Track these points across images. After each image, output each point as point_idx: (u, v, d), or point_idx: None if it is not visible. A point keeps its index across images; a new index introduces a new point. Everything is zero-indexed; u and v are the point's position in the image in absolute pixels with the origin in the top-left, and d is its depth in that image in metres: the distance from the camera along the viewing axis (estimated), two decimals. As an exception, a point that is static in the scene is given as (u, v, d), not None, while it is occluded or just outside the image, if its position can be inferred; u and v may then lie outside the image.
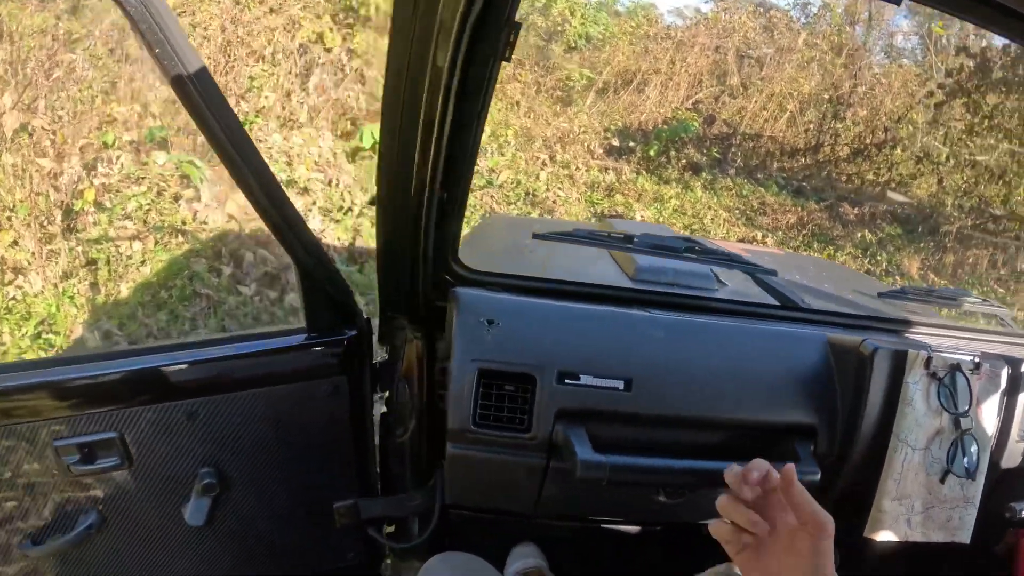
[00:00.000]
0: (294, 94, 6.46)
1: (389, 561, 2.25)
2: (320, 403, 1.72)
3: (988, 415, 1.62)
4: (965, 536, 1.62)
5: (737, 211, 8.08)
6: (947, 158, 8.27)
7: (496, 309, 1.54)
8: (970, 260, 7.49)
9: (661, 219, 7.46)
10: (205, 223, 5.19)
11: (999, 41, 7.63)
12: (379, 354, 1.81)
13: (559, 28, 9.67)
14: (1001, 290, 7.17)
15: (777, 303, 2.02)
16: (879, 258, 7.44)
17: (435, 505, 1.77)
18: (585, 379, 1.49)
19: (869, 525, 1.59)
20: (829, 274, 3.22)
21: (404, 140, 1.26)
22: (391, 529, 2.05)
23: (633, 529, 1.95)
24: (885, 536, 1.58)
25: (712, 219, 7.73)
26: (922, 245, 7.80)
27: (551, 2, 9.40)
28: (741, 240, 7.36)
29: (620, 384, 1.50)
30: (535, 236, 1.91)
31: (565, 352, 1.51)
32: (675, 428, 1.57)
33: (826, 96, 9.20)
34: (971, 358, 1.58)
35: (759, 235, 7.58)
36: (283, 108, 6.36)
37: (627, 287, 1.88)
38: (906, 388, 1.54)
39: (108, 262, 4.70)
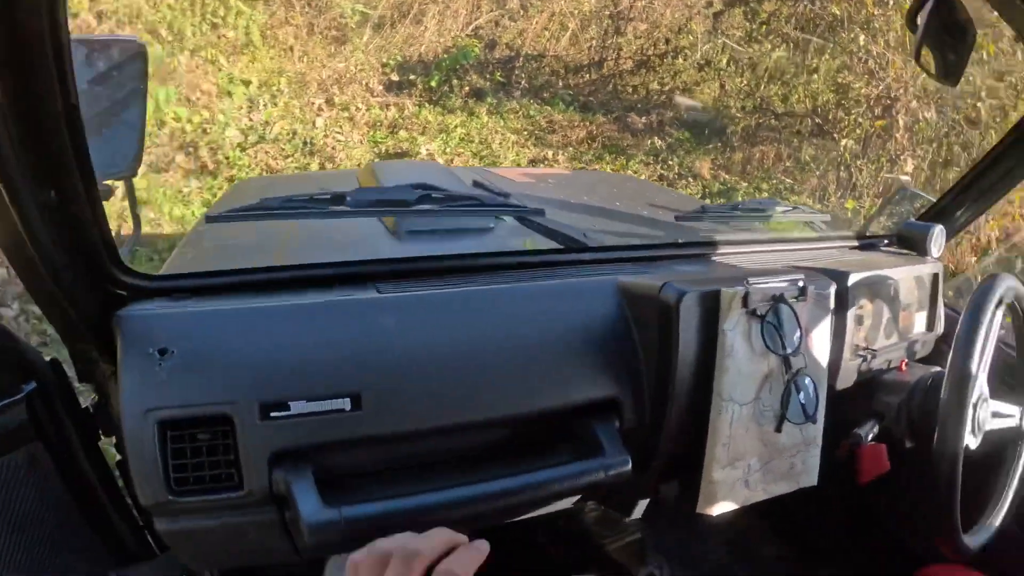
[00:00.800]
0: None
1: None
2: (22, 481, 1.31)
3: (820, 343, 1.47)
4: (811, 479, 1.49)
5: (526, 132, 8.16)
6: (728, 63, 8.65)
7: (173, 329, 1.18)
8: (757, 156, 7.88)
9: (448, 149, 7.34)
10: None
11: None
12: (90, 396, 1.39)
13: (327, -37, 9.20)
14: (789, 180, 7.61)
15: (559, 246, 1.69)
16: (671, 163, 7.68)
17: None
18: (296, 406, 1.14)
19: (702, 501, 1.39)
20: (623, 194, 3.06)
21: None
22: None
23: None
24: (722, 508, 1.40)
25: (500, 143, 7.78)
26: (711, 147, 8.16)
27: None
28: (532, 161, 7.32)
29: (346, 403, 1.16)
30: (208, 219, 1.56)
31: (268, 373, 1.16)
32: (432, 439, 1.27)
33: (606, 12, 9.36)
34: (795, 283, 1.39)
35: (550, 153, 7.65)
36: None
37: (380, 259, 1.49)
38: (723, 337, 1.31)
39: None
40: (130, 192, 1.61)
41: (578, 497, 1.44)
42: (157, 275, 1.31)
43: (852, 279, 1.57)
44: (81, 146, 1.00)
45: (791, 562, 2.37)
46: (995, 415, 1.59)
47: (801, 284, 1.40)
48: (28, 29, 0.83)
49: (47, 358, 1.36)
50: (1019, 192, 5.15)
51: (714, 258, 1.75)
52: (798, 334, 1.39)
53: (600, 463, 1.27)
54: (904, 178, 6.60)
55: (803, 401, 1.40)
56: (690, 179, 7.53)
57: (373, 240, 1.82)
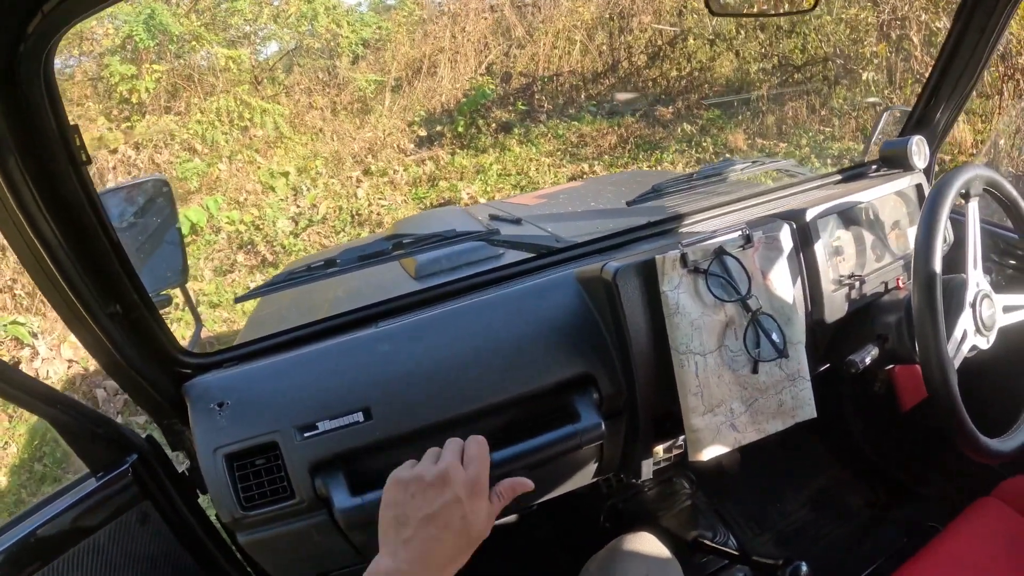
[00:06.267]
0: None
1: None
2: (137, 534, 1.62)
3: (781, 282, 1.51)
4: (809, 411, 1.53)
5: (559, 152, 8.28)
6: (737, 30, 8.53)
7: (225, 387, 1.48)
8: (790, 114, 7.81)
9: (488, 188, 7.46)
10: (49, 377, 5.11)
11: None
12: (185, 461, 1.71)
13: (333, 44, 9.50)
14: (828, 128, 7.46)
15: (531, 255, 1.88)
16: (705, 144, 7.62)
17: None
18: (323, 425, 1.41)
19: (690, 449, 1.48)
20: (622, 191, 3.15)
21: (46, 274, 1.20)
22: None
23: (508, 523, 1.88)
24: (712, 452, 1.47)
25: (537, 169, 7.88)
26: (741, 118, 8.11)
27: (314, 23, 9.20)
28: (572, 178, 7.43)
29: (359, 416, 1.42)
30: (236, 300, 1.92)
31: (298, 405, 1.43)
32: (440, 434, 1.40)
33: (607, 15, 9.36)
34: (736, 235, 1.48)
35: (586, 166, 7.73)
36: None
37: (378, 301, 1.75)
38: (665, 298, 1.42)
39: None
40: (186, 296, 1.94)
41: (594, 468, 1.62)
42: (210, 352, 1.60)
43: (810, 214, 1.63)
44: (129, 268, 1.30)
45: (879, 507, 2.38)
46: (1007, 309, 1.58)
47: (745, 233, 1.48)
48: (68, 192, 1.13)
49: (143, 435, 1.65)
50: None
51: (678, 230, 1.86)
52: (748, 280, 1.46)
53: (574, 428, 1.42)
54: (873, 99, 6.49)
55: (774, 336, 1.47)
56: (728, 154, 7.46)
57: (399, 285, 2.03)
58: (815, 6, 1.82)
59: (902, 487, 2.38)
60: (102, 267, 1.26)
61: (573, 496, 1.69)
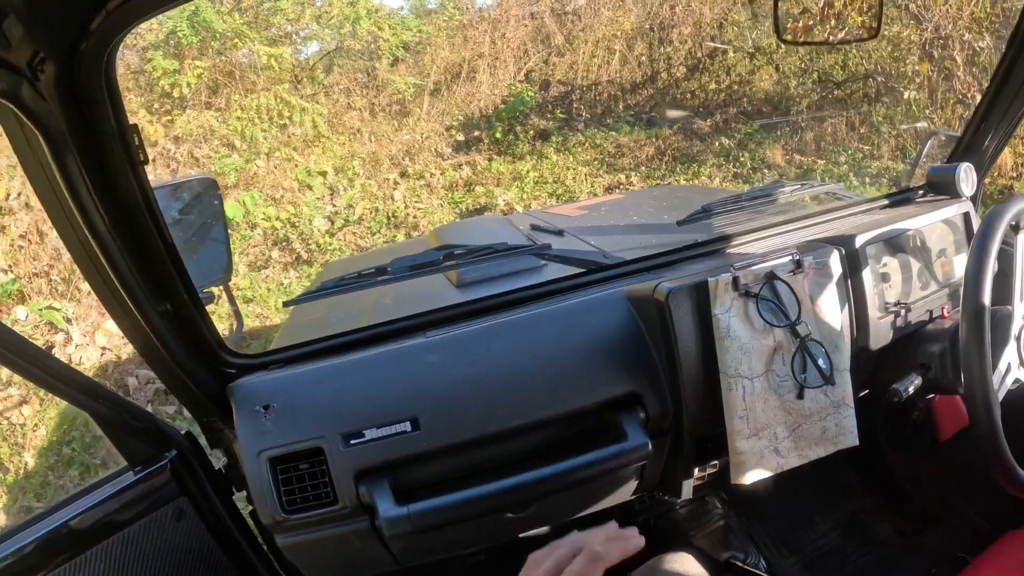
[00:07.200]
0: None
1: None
2: (173, 529, 1.66)
3: (830, 309, 1.52)
4: (851, 439, 1.54)
5: (596, 162, 8.29)
6: (777, 45, 8.46)
7: (271, 390, 1.49)
8: (828, 130, 7.70)
9: (524, 195, 7.47)
10: (82, 363, 5.16)
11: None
12: (222, 459, 1.74)
13: (374, 46, 9.52)
14: (867, 147, 7.43)
15: (579, 270, 1.87)
16: (742, 159, 7.62)
17: None
18: (369, 433, 1.42)
19: (732, 472, 1.50)
20: (665, 206, 3.20)
21: (98, 270, 1.22)
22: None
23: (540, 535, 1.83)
24: (755, 476, 1.49)
25: (573, 178, 7.89)
26: (779, 133, 8.07)
27: (356, 25, 9.23)
28: (608, 188, 7.43)
29: (407, 426, 1.43)
30: (284, 304, 1.96)
31: (345, 412, 1.45)
32: (485, 447, 1.49)
33: (647, 25, 9.38)
34: (787, 259, 1.48)
35: (623, 177, 7.72)
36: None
37: (429, 310, 1.74)
38: (716, 321, 1.44)
39: (5, 437, 4.67)
40: (228, 294, 2.00)
41: (635, 486, 1.64)
42: (255, 354, 1.63)
43: (859, 241, 1.62)
44: (181, 268, 1.31)
45: (908, 536, 2.36)
46: None
47: (796, 258, 1.48)
48: (124, 192, 1.14)
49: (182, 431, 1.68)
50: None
51: (727, 251, 1.86)
52: (798, 305, 1.47)
53: (620, 448, 1.43)
54: (920, 125, 6.41)
55: (820, 366, 1.48)
56: (765, 170, 7.43)
57: (442, 293, 2.07)
58: (875, 36, 1.85)
59: (931, 517, 2.36)
60: (155, 266, 1.27)
61: (605, 510, 1.67)
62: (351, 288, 1.82)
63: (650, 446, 1.44)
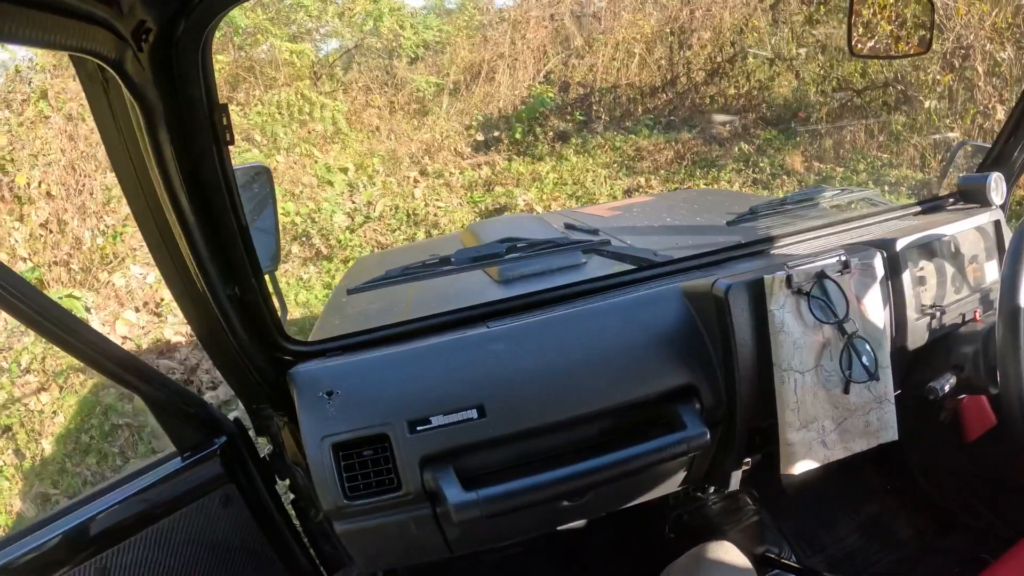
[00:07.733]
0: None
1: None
2: (219, 515, 1.68)
3: (874, 308, 1.59)
4: (891, 434, 1.60)
5: (615, 164, 8.30)
6: (797, 51, 8.44)
7: (334, 377, 1.51)
8: (848, 138, 7.69)
9: (544, 196, 7.46)
10: None
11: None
12: (266, 447, 1.77)
13: (394, 44, 9.56)
14: (885, 155, 7.42)
15: (632, 266, 1.93)
16: (761, 164, 7.60)
17: None
18: (436, 420, 1.44)
19: (783, 463, 1.55)
20: (698, 208, 3.29)
21: (170, 250, 1.26)
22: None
23: (575, 528, 1.90)
24: (804, 467, 1.55)
25: (593, 180, 7.90)
26: (798, 139, 8.08)
27: (378, 22, 9.25)
28: (627, 192, 7.40)
29: (473, 413, 1.45)
30: (349, 292, 1.93)
31: (411, 399, 1.47)
32: (547, 436, 1.52)
33: (668, 29, 9.41)
34: (835, 260, 1.55)
35: (642, 180, 7.71)
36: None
37: (484, 303, 1.79)
38: (772, 317, 1.50)
39: (23, 424, 4.71)
40: (274, 283, 1.97)
41: (682, 477, 1.69)
42: (313, 341, 1.66)
43: (900, 244, 1.69)
44: (252, 252, 1.34)
45: (929, 537, 2.40)
46: None
47: (843, 259, 1.55)
48: (208, 171, 1.16)
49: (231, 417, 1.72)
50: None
51: (772, 251, 1.92)
52: (846, 303, 1.53)
53: (682, 436, 1.48)
54: (951, 135, 6.42)
55: (865, 362, 1.53)
56: (784, 176, 7.43)
57: (481, 289, 2.09)
58: (926, 50, 1.95)
59: (953, 518, 2.41)
60: (228, 248, 1.29)
61: (639, 504, 1.73)
62: (417, 277, 1.85)
63: (708, 435, 1.48)
